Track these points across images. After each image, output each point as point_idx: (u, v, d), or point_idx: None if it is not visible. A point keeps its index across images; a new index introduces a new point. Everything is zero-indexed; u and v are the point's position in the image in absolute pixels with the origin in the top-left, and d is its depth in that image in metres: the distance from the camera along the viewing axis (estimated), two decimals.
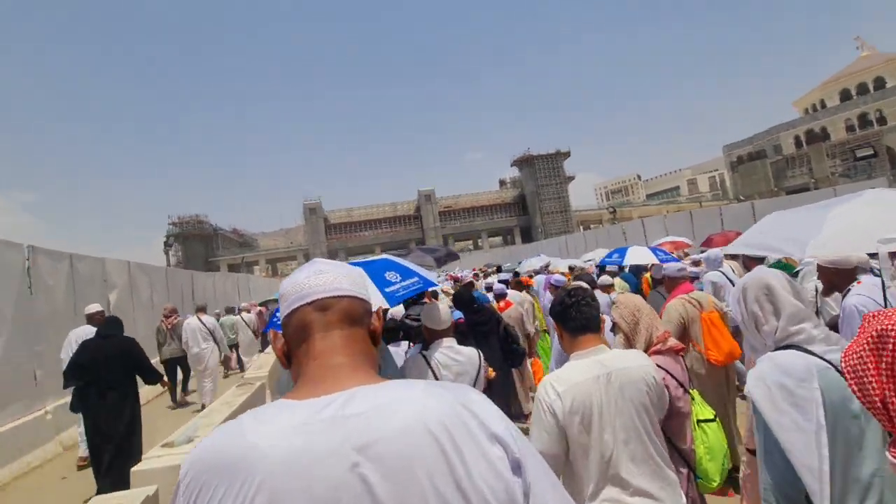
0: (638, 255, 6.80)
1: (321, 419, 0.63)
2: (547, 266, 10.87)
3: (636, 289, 6.61)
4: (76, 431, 6.53)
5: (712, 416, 1.94)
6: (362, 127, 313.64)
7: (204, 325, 7.69)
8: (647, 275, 6.89)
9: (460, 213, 73.61)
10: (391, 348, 3.21)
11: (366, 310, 0.81)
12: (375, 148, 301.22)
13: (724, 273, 5.16)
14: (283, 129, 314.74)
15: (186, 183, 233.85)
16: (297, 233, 74.13)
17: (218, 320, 9.43)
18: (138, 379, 4.30)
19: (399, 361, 2.86)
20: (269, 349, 6.55)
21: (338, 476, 0.58)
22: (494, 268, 18.63)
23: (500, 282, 6.52)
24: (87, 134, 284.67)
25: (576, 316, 1.71)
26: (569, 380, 1.57)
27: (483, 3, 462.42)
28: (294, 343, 0.76)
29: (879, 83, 46.87)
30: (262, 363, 4.75)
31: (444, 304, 2.77)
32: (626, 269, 7.30)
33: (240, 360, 10.53)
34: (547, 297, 6.47)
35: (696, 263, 6.70)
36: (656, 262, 6.27)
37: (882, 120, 43.23)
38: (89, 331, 5.02)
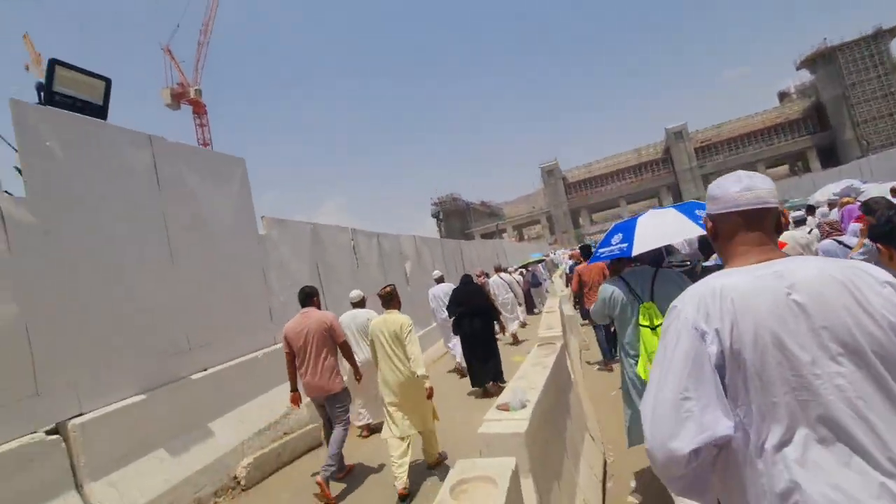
0: None
1: (760, 273, 1.03)
2: (852, 193, 7.69)
3: None
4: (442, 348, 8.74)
5: None
6: (596, 72, 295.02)
7: (503, 279, 10.15)
8: None
9: (723, 145, 61.42)
10: None
11: (777, 214, 1.14)
12: (611, 91, 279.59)
13: None
14: (519, 96, 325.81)
15: (441, 163, 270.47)
16: (537, 197, 76.07)
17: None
18: None
19: None
20: (547, 308, 6.73)
21: (780, 299, 0.97)
22: None
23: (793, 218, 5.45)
24: (371, 141, 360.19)
25: None
26: None
27: None
28: (724, 233, 1.16)
29: None
30: (552, 323, 4.70)
31: None
32: None
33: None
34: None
35: None
36: None
37: None
38: (444, 286, 7.84)
